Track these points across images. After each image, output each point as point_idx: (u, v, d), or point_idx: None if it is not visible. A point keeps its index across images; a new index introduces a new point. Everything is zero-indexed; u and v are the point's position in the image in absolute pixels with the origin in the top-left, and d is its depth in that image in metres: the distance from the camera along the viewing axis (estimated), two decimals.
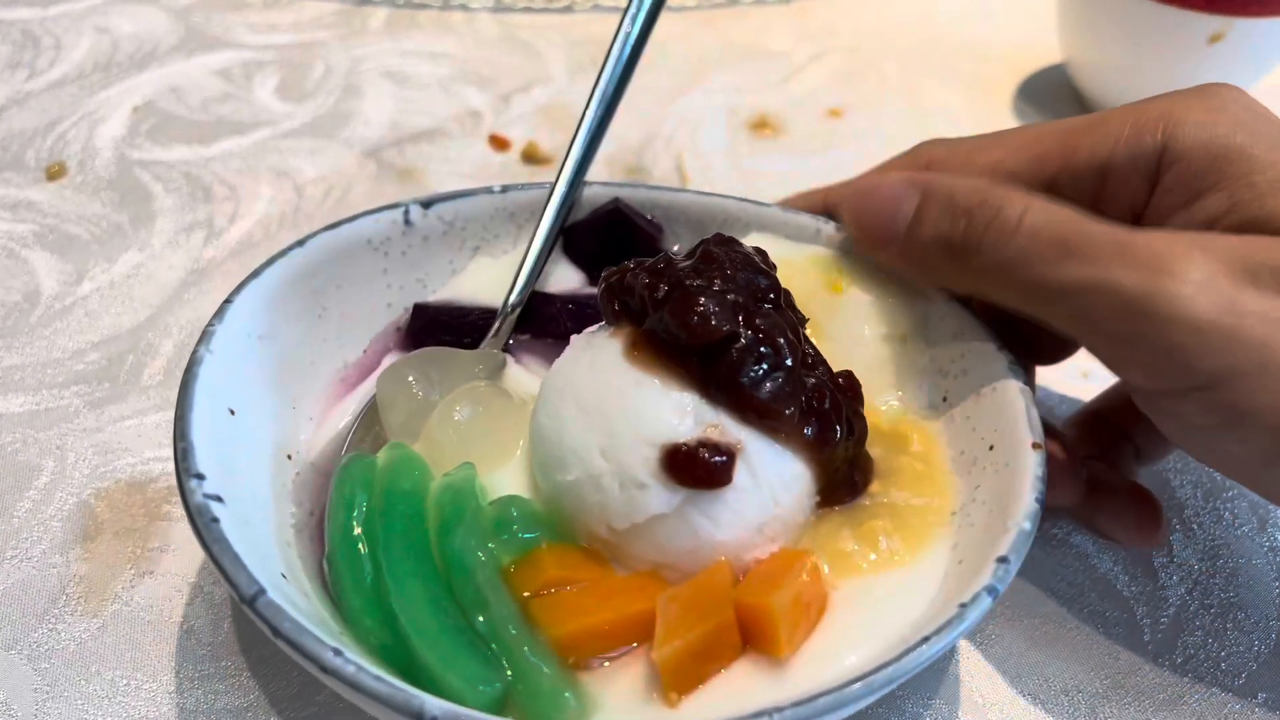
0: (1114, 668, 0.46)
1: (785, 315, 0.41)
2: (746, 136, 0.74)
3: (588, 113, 0.51)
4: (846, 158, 0.72)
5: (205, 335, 0.42)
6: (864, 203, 0.45)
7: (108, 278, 0.59)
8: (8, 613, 0.44)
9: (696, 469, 0.38)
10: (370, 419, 0.47)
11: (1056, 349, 0.48)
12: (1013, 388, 0.42)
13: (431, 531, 0.41)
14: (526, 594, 0.39)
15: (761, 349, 0.39)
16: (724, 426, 0.39)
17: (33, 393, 0.53)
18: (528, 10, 0.85)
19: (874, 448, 0.44)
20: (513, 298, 0.49)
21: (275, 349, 0.45)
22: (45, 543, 0.47)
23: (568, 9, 0.85)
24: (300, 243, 0.47)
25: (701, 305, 0.38)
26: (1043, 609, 0.48)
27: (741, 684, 0.37)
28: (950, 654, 0.46)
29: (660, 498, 0.38)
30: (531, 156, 0.70)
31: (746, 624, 0.37)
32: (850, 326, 0.46)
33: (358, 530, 0.40)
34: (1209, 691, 0.45)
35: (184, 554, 0.47)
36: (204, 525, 0.35)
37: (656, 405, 0.39)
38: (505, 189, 0.51)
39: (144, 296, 0.59)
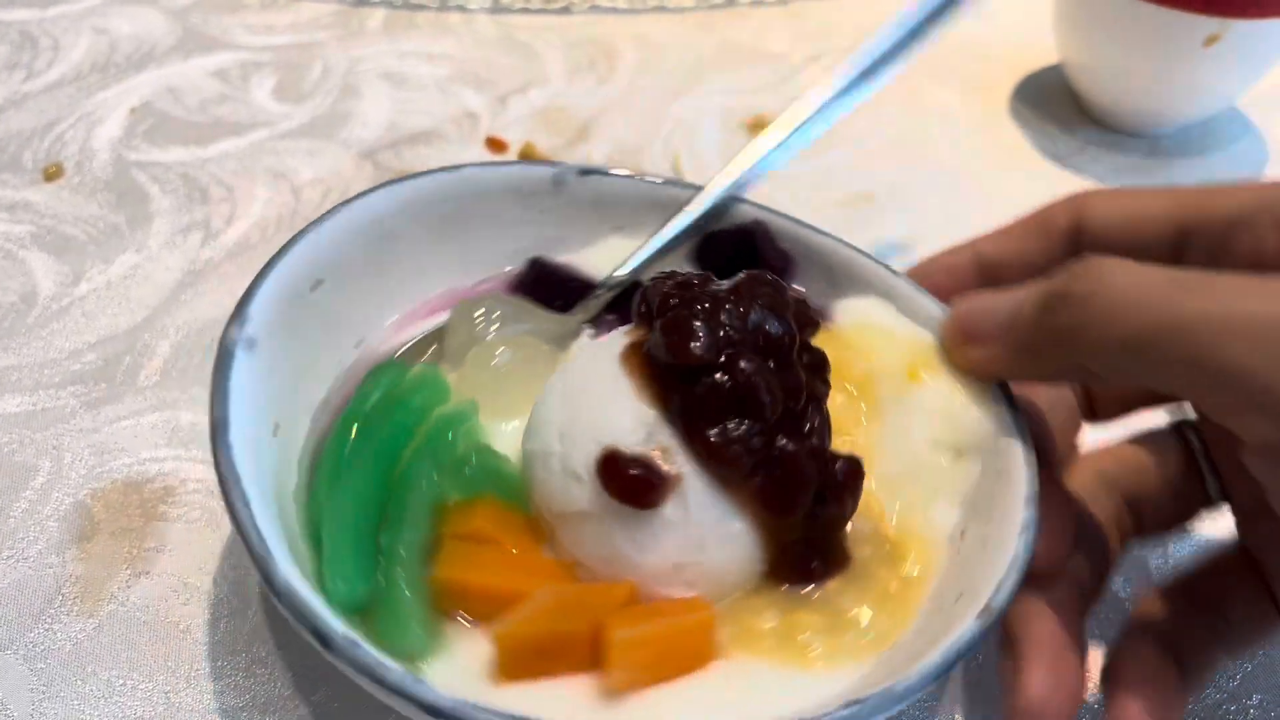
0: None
1: (789, 372, 0.39)
2: (743, 137, 0.74)
3: (779, 126, 0.51)
4: (844, 158, 0.73)
5: (337, 208, 0.46)
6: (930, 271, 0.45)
7: (104, 279, 0.59)
8: (3, 613, 0.44)
9: (621, 480, 0.37)
10: (435, 338, 0.49)
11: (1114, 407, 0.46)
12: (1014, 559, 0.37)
13: (408, 449, 0.42)
14: (449, 533, 0.40)
15: (734, 390, 0.37)
16: (673, 453, 0.38)
17: (29, 393, 0.53)
18: (525, 11, 0.85)
19: (864, 548, 0.41)
20: (615, 275, 0.49)
21: (388, 247, 0.48)
22: (41, 543, 0.47)
23: (565, 10, 0.86)
24: (455, 168, 0.49)
25: (689, 329, 0.38)
26: None
27: (571, 697, 0.36)
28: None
29: (588, 496, 0.38)
30: (528, 158, 0.70)
31: (597, 643, 0.37)
32: (908, 421, 0.43)
33: (355, 422, 0.43)
34: (1203, 693, 0.45)
35: (180, 554, 0.47)
36: (222, 359, 0.39)
37: (618, 408, 0.39)
38: (666, 181, 0.51)
39: (141, 297, 0.59)
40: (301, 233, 0.45)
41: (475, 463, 0.41)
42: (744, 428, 0.37)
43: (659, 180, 0.51)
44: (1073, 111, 0.78)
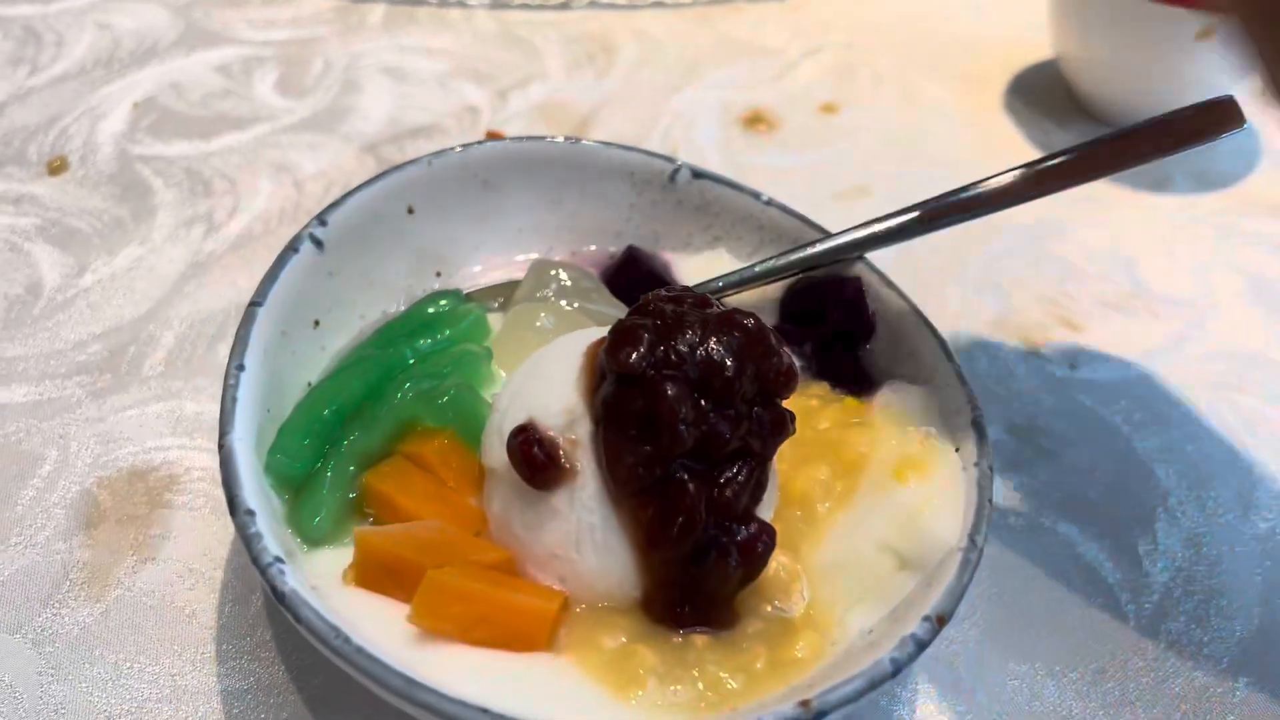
0: (1098, 653, 0.46)
1: (721, 415, 0.38)
2: (740, 131, 0.75)
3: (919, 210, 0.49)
4: (841, 153, 0.73)
5: (444, 152, 0.50)
6: None
7: (109, 270, 0.60)
8: (12, 598, 0.45)
9: (522, 453, 0.39)
10: (510, 289, 0.51)
11: None
12: None
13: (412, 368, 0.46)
14: (402, 450, 0.43)
15: (645, 408, 0.37)
16: (580, 448, 0.39)
17: (35, 383, 0.54)
18: (525, 7, 0.86)
19: (755, 621, 0.40)
20: (697, 287, 0.48)
21: (490, 197, 0.51)
22: (49, 529, 0.48)
23: (564, 6, 0.86)
24: (573, 140, 0.52)
25: (634, 338, 0.38)
26: (1028, 595, 0.48)
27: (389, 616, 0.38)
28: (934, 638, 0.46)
29: (502, 459, 0.40)
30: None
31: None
32: (872, 516, 0.42)
33: (384, 330, 0.48)
34: (1192, 676, 0.46)
35: (185, 541, 0.48)
36: (286, 250, 0.44)
37: (555, 391, 0.40)
38: (770, 202, 0.51)
39: (145, 289, 0.59)
40: (405, 164, 0.48)
41: (451, 397, 0.44)
42: (644, 449, 0.37)
43: (765, 199, 0.51)
44: (1067, 105, 0.79)
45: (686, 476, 0.38)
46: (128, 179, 0.66)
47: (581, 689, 0.37)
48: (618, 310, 0.49)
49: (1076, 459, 0.54)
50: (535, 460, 0.39)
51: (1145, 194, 0.72)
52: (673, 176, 0.51)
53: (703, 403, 0.37)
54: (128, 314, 0.58)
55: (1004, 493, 0.52)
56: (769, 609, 0.40)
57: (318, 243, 0.45)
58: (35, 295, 0.58)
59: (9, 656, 0.43)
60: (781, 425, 0.40)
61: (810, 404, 0.47)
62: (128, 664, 0.43)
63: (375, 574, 0.39)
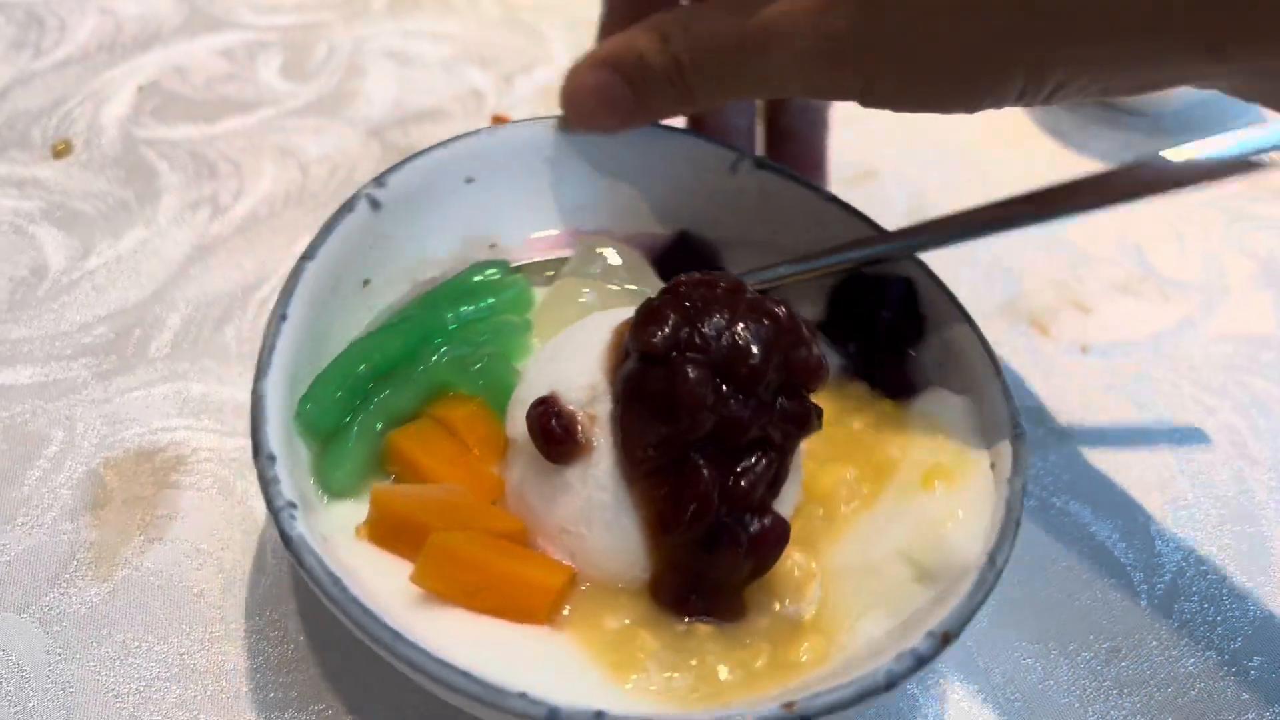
0: (1112, 633, 0.46)
1: (744, 403, 0.37)
2: None
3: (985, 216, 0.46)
4: (848, 137, 0.73)
5: (510, 124, 0.50)
6: (577, 101, 0.48)
7: (114, 253, 0.60)
8: (19, 578, 0.45)
9: (540, 425, 0.39)
10: (560, 264, 0.51)
11: None
12: None
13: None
14: (431, 413, 0.43)
15: (665, 389, 0.37)
16: (598, 424, 0.39)
17: (41, 364, 0.54)
18: None
19: (763, 617, 0.40)
20: (747, 277, 0.46)
21: (550, 171, 0.50)
22: (55, 510, 0.47)
23: None
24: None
25: (661, 318, 0.38)
26: (1041, 576, 0.48)
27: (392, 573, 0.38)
28: (936, 655, 0.45)
29: (521, 428, 0.40)
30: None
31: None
32: (894, 523, 0.41)
33: (429, 294, 0.48)
34: (1205, 655, 0.46)
35: (192, 521, 0.48)
36: (343, 207, 0.44)
37: (579, 365, 0.40)
38: (831, 199, 0.49)
39: (150, 271, 0.59)
40: (467, 134, 0.48)
41: (484, 366, 0.44)
42: (661, 429, 0.37)
43: (825, 196, 0.49)
44: None
45: (702, 461, 0.37)
46: (132, 162, 0.66)
47: (577, 666, 0.37)
48: None
49: (1087, 440, 0.54)
50: (552, 433, 0.38)
51: None
52: (734, 166, 0.50)
53: (724, 388, 0.37)
54: (133, 296, 0.58)
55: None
56: (779, 607, 0.40)
57: (375, 203, 0.45)
58: (40, 278, 0.58)
59: (17, 636, 0.43)
60: (806, 418, 0.39)
61: (846, 403, 0.46)
62: (135, 643, 0.43)
63: (387, 531, 0.39)
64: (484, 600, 0.37)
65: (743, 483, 0.37)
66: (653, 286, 0.49)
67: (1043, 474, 0.52)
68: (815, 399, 0.39)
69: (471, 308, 0.47)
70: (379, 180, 0.46)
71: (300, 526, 0.35)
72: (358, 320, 0.46)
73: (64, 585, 0.45)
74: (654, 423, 0.37)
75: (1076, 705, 0.44)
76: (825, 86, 0.42)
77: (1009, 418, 0.42)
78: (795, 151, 0.57)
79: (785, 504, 0.40)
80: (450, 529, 0.37)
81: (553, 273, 0.51)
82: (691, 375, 0.36)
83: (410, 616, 0.36)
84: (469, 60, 0.77)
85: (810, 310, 0.49)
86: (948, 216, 0.47)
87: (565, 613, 0.39)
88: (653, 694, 0.37)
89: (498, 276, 0.49)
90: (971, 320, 0.45)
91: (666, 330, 0.37)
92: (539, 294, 0.50)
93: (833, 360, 0.46)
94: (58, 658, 0.43)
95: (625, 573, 0.39)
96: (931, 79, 0.39)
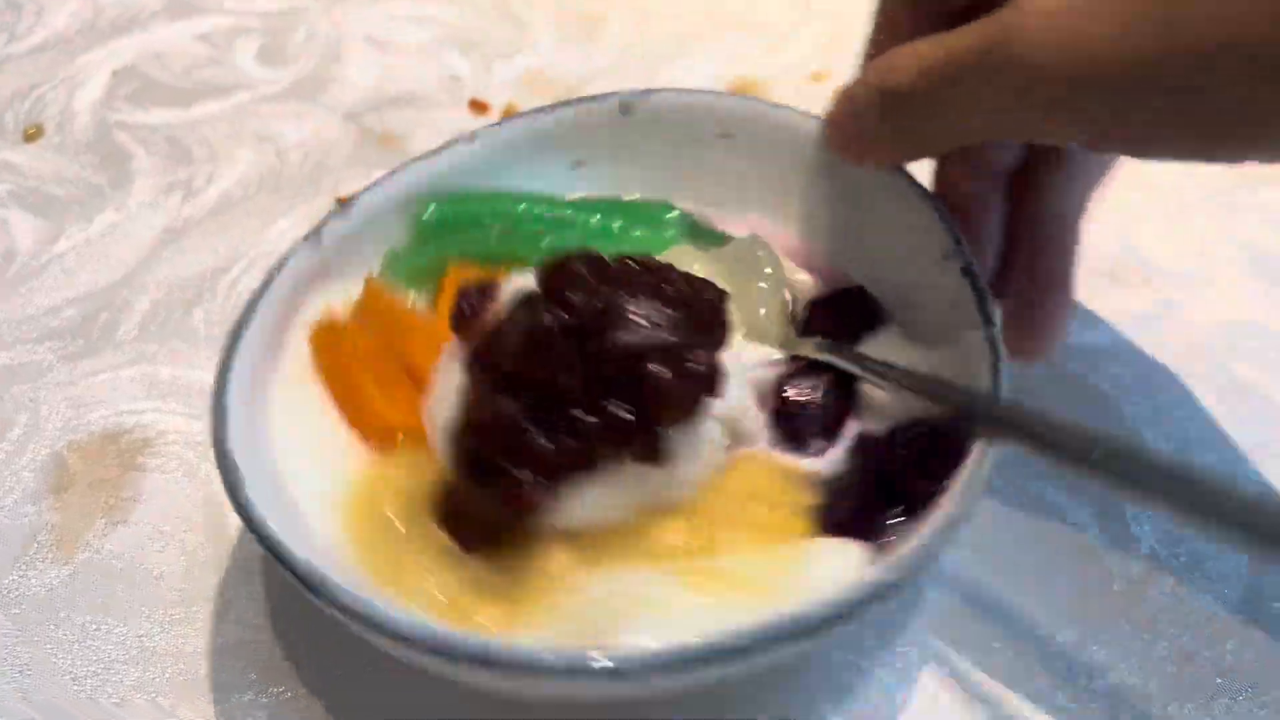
0: (1084, 616, 0.46)
1: (580, 377, 0.36)
2: None
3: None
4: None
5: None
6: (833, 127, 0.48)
7: (84, 236, 0.59)
8: None
9: (455, 293, 0.42)
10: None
11: None
12: None
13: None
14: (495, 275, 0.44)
15: (525, 322, 0.37)
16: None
17: (6, 349, 0.53)
18: None
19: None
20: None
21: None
22: (17, 493, 0.47)
23: None
24: (779, 106, 0.51)
25: (569, 273, 0.38)
26: (1014, 559, 0.48)
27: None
28: (918, 596, 0.45)
29: None
30: (510, 116, 0.70)
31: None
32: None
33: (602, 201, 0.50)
34: (1178, 638, 0.45)
35: (157, 504, 0.47)
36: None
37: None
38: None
39: (120, 255, 0.58)
40: (714, 91, 0.52)
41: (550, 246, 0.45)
42: (504, 349, 0.37)
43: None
44: None
45: (514, 397, 0.37)
46: (106, 147, 0.65)
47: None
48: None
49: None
50: (459, 307, 0.40)
51: (1141, 163, 0.70)
52: (945, 256, 0.44)
53: (575, 354, 0.36)
54: (102, 279, 0.57)
55: (990, 457, 0.51)
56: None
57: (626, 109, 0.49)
58: (8, 261, 0.58)
59: None
60: (623, 436, 0.37)
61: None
62: (94, 626, 0.43)
63: (370, 317, 0.44)
64: (339, 385, 0.42)
65: (530, 440, 0.35)
66: (791, 285, 0.48)
67: (1018, 457, 0.52)
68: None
69: (621, 224, 0.48)
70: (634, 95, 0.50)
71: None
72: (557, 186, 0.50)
73: (23, 568, 0.44)
74: (500, 339, 0.38)
75: (1048, 690, 0.44)
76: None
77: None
78: (1039, 262, 0.47)
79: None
80: (382, 336, 0.43)
81: (712, 248, 0.48)
82: (547, 320, 0.36)
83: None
84: (450, 46, 0.77)
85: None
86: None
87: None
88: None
89: (672, 219, 0.49)
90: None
91: (571, 280, 0.37)
92: (679, 252, 0.47)
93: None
94: (15, 639, 0.42)
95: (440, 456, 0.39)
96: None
